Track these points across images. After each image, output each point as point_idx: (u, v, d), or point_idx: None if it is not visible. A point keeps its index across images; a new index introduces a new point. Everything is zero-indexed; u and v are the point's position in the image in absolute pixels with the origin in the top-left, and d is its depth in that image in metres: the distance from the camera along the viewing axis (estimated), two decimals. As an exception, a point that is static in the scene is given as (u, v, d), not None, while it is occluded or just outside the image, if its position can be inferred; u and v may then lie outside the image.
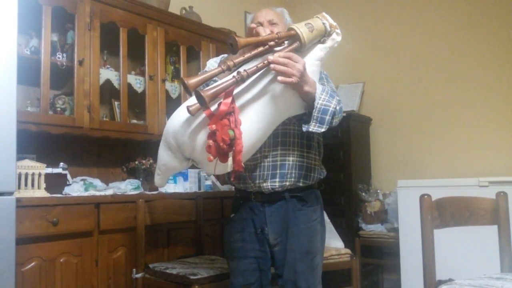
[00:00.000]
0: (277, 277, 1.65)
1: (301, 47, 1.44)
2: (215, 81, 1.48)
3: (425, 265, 1.60)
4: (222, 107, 1.31)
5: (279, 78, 1.34)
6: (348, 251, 2.74)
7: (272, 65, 1.33)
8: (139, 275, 2.21)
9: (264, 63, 1.35)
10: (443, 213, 1.67)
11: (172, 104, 3.10)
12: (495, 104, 3.42)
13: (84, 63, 2.55)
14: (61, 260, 2.13)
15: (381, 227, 3.50)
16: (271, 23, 1.67)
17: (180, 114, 1.47)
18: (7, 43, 1.60)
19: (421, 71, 3.79)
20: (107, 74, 2.75)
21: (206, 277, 2.04)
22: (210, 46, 3.32)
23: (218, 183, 3.18)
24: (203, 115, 1.38)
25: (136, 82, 2.90)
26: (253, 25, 1.63)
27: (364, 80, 4.07)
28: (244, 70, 1.33)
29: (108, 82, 2.75)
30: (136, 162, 2.90)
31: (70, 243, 2.17)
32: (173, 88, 3.13)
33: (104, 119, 2.82)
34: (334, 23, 1.51)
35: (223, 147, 1.29)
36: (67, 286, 2.14)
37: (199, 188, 3.03)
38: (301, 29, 1.42)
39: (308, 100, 1.44)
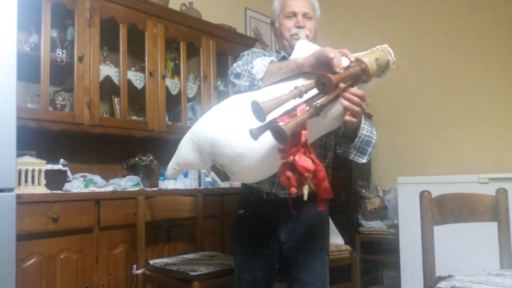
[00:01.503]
0: (283, 273, 1.63)
1: (365, 82, 1.39)
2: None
3: (425, 262, 1.60)
4: (303, 139, 1.20)
5: (347, 118, 1.29)
6: (348, 247, 2.74)
7: (345, 103, 1.27)
8: (139, 271, 2.22)
9: (335, 97, 1.27)
10: (443, 209, 1.67)
11: (172, 100, 3.10)
12: (495, 101, 3.42)
13: (84, 60, 2.54)
14: (62, 257, 2.14)
15: (381, 224, 3.51)
16: (307, 17, 1.61)
17: (225, 122, 1.34)
18: (6, 39, 1.59)
19: (421, 68, 3.79)
20: (107, 70, 2.75)
21: (206, 273, 2.04)
22: (210, 42, 3.31)
23: (218, 180, 3.18)
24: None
25: (136, 78, 2.89)
26: (287, 21, 1.58)
27: (365, 76, 4.06)
28: (320, 105, 1.21)
29: (108, 78, 2.74)
30: (136, 159, 2.90)
31: (70, 240, 2.17)
32: (173, 84, 3.12)
33: (104, 115, 2.82)
34: (394, 59, 1.48)
35: (308, 176, 1.19)
36: (68, 282, 2.15)
37: (199, 185, 3.04)
38: (372, 65, 1.36)
39: (351, 128, 1.39)
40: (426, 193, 1.65)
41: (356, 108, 1.28)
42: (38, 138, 2.49)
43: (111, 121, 2.75)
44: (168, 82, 3.07)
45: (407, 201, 3.06)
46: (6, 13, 1.60)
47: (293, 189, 1.20)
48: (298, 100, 1.22)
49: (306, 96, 1.24)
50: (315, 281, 1.56)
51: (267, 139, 1.24)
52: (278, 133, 1.15)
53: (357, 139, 1.39)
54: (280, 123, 1.13)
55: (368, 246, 3.57)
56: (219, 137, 1.32)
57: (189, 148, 1.42)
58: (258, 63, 1.51)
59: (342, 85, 1.27)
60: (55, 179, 2.32)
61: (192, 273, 2.01)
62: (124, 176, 2.81)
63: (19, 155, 2.00)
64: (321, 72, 1.25)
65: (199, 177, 3.06)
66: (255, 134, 1.21)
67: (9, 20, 1.60)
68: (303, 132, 1.21)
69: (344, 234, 2.95)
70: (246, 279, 1.64)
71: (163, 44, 2.99)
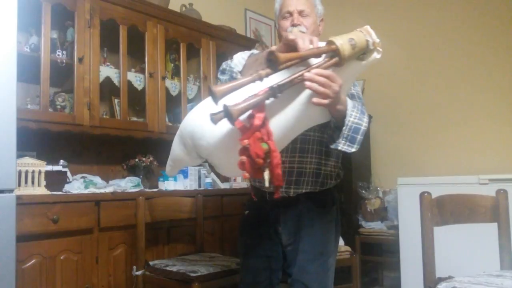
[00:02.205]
0: (287, 276, 1.61)
1: (340, 64, 1.30)
2: (236, 74, 1.43)
3: (425, 263, 1.60)
4: (256, 122, 1.20)
5: (314, 100, 1.22)
6: (348, 248, 2.74)
7: (307, 83, 1.20)
8: (139, 273, 2.22)
9: (299, 78, 1.23)
10: (443, 210, 1.67)
11: (172, 101, 3.10)
12: (495, 101, 3.42)
13: (84, 61, 2.55)
14: (62, 258, 2.13)
15: (381, 225, 3.50)
16: (302, 15, 1.58)
17: (199, 115, 1.37)
18: (7, 40, 1.59)
19: (421, 68, 3.79)
20: (107, 71, 2.75)
21: (206, 274, 2.04)
22: (210, 43, 3.31)
23: (218, 181, 3.18)
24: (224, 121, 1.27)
25: (136, 79, 2.89)
26: (284, 21, 1.57)
27: (364, 78, 4.07)
28: (277, 85, 1.21)
29: (108, 79, 2.74)
30: (136, 160, 2.90)
31: (70, 241, 2.17)
32: (173, 85, 3.12)
33: (104, 116, 2.82)
34: (378, 40, 1.35)
35: (258, 162, 1.19)
36: (68, 283, 2.15)
37: (199, 186, 3.03)
38: (344, 46, 1.27)
39: (338, 117, 1.34)
40: (426, 194, 1.65)
41: (320, 89, 1.20)
42: (38, 139, 2.49)
43: (111, 122, 2.75)
44: (168, 83, 3.07)
45: (407, 202, 3.06)
46: (6, 14, 1.60)
47: (246, 174, 1.21)
48: (261, 87, 1.22)
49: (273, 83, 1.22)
50: (313, 285, 1.54)
51: (235, 130, 1.24)
52: (228, 114, 1.16)
53: (344, 127, 1.33)
54: (231, 105, 1.15)
55: (368, 247, 3.56)
56: (196, 128, 1.35)
57: (176, 142, 1.47)
58: (238, 56, 1.54)
59: (313, 69, 1.23)
60: (55, 180, 2.32)
61: (192, 274, 2.01)
62: (124, 177, 2.81)
63: (19, 156, 2.00)
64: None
65: (199, 178, 3.05)
66: (214, 119, 1.21)
67: (9, 21, 1.61)
68: (258, 115, 1.20)
69: (344, 235, 2.94)
70: (249, 280, 1.63)
71: (163, 45, 2.99)
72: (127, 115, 2.81)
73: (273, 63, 1.21)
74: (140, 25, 2.88)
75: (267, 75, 1.22)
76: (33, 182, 2.16)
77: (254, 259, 1.62)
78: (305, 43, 1.27)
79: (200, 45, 3.25)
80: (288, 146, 1.50)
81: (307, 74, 1.20)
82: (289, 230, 1.58)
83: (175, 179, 2.90)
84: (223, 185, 3.16)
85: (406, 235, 3.09)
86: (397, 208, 3.21)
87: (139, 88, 2.90)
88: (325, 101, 1.22)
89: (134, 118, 2.98)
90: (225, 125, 1.24)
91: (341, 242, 2.81)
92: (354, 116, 1.34)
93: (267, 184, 1.24)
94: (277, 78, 1.26)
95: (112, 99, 2.91)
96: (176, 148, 1.48)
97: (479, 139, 3.47)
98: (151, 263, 2.24)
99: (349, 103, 1.35)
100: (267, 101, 1.25)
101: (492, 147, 3.40)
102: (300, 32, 1.54)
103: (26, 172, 2.14)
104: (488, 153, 3.41)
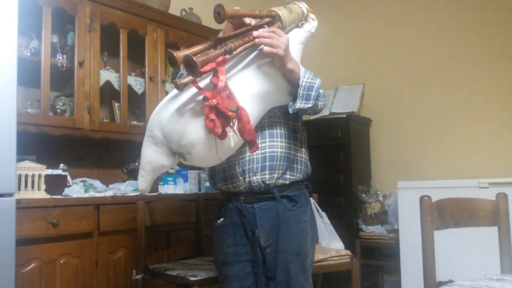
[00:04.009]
0: (267, 279, 1.61)
1: (281, 28, 1.48)
2: None
3: (425, 266, 1.60)
4: (220, 83, 1.29)
5: (265, 48, 1.38)
6: (348, 252, 2.74)
7: (257, 40, 1.38)
8: (139, 276, 2.21)
9: (249, 37, 1.39)
10: (443, 214, 1.67)
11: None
12: (495, 105, 3.42)
13: (84, 65, 2.55)
14: (61, 262, 2.13)
15: (381, 229, 3.50)
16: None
17: (164, 103, 1.48)
18: (7, 44, 1.60)
19: (421, 72, 3.80)
20: (107, 75, 2.76)
21: (206, 278, 2.03)
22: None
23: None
24: (189, 95, 1.39)
25: (136, 83, 2.90)
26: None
27: (364, 81, 4.07)
28: (232, 42, 1.34)
29: (108, 83, 2.75)
30: (136, 163, 2.89)
31: (70, 245, 2.17)
32: (173, 89, 3.12)
33: (104, 120, 2.82)
34: (310, 9, 1.59)
35: (232, 115, 1.27)
36: (67, 287, 2.14)
37: (199, 189, 3.03)
38: (281, 11, 1.48)
39: (293, 80, 1.48)
40: (426, 197, 1.65)
41: (269, 40, 1.38)
42: (38, 143, 2.49)
43: (111, 126, 2.76)
44: (169, 87, 3.07)
45: (407, 206, 3.05)
46: (7, 18, 1.61)
47: (218, 129, 1.27)
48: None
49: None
50: (296, 285, 1.56)
51: (190, 95, 1.39)
52: (190, 65, 1.26)
53: (299, 88, 1.47)
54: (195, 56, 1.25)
55: (368, 251, 3.56)
56: (162, 115, 1.43)
57: (145, 146, 1.52)
58: None
59: (260, 31, 1.41)
60: (55, 184, 2.32)
61: (192, 278, 2.01)
62: (124, 181, 2.81)
63: (19, 160, 2.00)
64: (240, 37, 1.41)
65: (199, 181, 3.05)
66: (179, 85, 1.35)
67: (9, 25, 1.61)
68: (221, 77, 1.30)
69: (344, 239, 2.94)
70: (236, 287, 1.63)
71: (163, 49, 3.00)
72: (127, 119, 2.81)
73: (220, 16, 1.36)
74: (140, 29, 2.88)
75: (236, 48, 1.35)
76: (33, 186, 2.15)
77: (237, 265, 1.62)
78: (249, 13, 1.46)
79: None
80: (257, 133, 1.55)
81: (255, 32, 1.39)
82: (266, 231, 1.59)
83: (175, 183, 2.89)
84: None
85: (406, 239, 3.08)
86: (397, 212, 3.21)
87: (139, 92, 2.90)
88: (275, 50, 1.39)
89: (134, 122, 2.98)
90: (186, 97, 1.38)
91: (341, 245, 2.81)
92: (307, 77, 1.49)
93: (232, 144, 1.33)
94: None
95: (112, 103, 2.91)
96: (146, 151, 1.50)
97: (479, 142, 3.47)
98: (150, 267, 2.24)
99: (302, 69, 1.49)
100: (227, 66, 1.39)
101: (492, 150, 3.40)
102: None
103: (26, 176, 2.14)
104: (488, 156, 3.41)
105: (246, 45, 1.39)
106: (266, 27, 1.49)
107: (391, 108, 3.95)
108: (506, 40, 3.40)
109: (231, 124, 1.30)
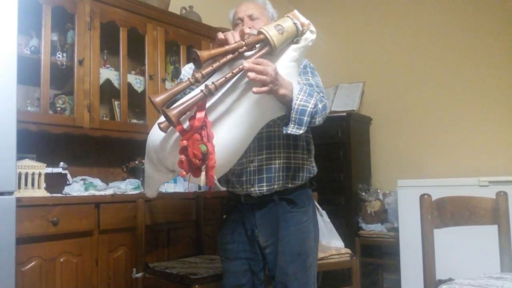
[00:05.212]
0: (271, 279, 1.64)
1: (272, 51, 1.37)
2: (186, 93, 1.43)
3: (425, 265, 1.60)
4: (196, 123, 1.25)
5: (254, 89, 1.26)
6: (348, 250, 2.74)
7: (251, 75, 1.25)
8: (139, 275, 2.21)
9: (232, 73, 1.29)
10: (443, 212, 1.67)
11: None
12: (495, 103, 3.42)
13: (84, 63, 2.55)
14: (61, 260, 2.13)
15: (381, 227, 3.50)
16: (252, 19, 1.64)
17: (156, 128, 1.43)
18: (7, 42, 1.59)
19: (421, 70, 3.79)
20: (107, 73, 2.75)
21: (206, 276, 2.04)
22: (210, 45, 3.32)
23: (218, 184, 3.17)
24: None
25: (136, 81, 2.90)
26: (237, 28, 1.62)
27: (364, 79, 4.07)
28: (212, 83, 1.26)
29: (108, 81, 2.75)
30: (136, 162, 2.90)
31: (70, 243, 2.17)
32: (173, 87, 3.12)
33: (104, 118, 2.82)
34: (307, 21, 1.44)
35: (195, 162, 1.25)
36: (67, 286, 2.14)
37: (199, 188, 3.03)
38: (270, 32, 1.34)
39: (286, 102, 1.38)
40: (426, 196, 1.65)
41: (258, 77, 1.24)
42: (38, 141, 2.50)
43: (111, 124, 2.75)
44: (168, 85, 3.07)
45: (407, 204, 3.06)
46: (6, 17, 1.60)
47: (183, 172, 1.27)
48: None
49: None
50: (293, 286, 1.56)
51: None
52: (166, 116, 1.23)
53: (292, 111, 1.37)
54: (169, 109, 1.22)
55: (368, 249, 3.56)
56: (154, 142, 1.41)
57: (146, 162, 1.51)
58: (185, 67, 1.68)
59: (247, 61, 1.28)
60: (55, 182, 2.32)
61: (192, 277, 2.01)
62: (124, 179, 2.81)
63: (19, 158, 2.00)
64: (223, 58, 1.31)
65: (199, 180, 3.05)
66: (162, 128, 1.29)
67: (9, 23, 1.61)
68: (198, 117, 1.26)
69: (344, 237, 2.94)
70: (231, 283, 1.65)
71: (163, 47, 2.99)
72: (127, 117, 2.81)
73: (197, 62, 1.28)
74: (140, 27, 2.88)
75: (203, 77, 1.28)
76: (33, 184, 2.16)
77: (235, 262, 1.65)
78: (235, 38, 1.35)
79: (200, 48, 3.25)
80: (254, 145, 1.55)
81: (246, 65, 1.25)
82: (266, 232, 1.61)
83: (175, 182, 2.89)
84: (223, 188, 3.15)
85: (406, 237, 3.08)
86: (397, 210, 3.21)
87: (139, 90, 2.90)
88: (265, 89, 1.26)
89: (134, 120, 2.98)
90: (174, 131, 1.32)
91: (341, 244, 2.81)
92: (301, 99, 1.37)
93: (202, 183, 1.30)
94: (217, 77, 1.32)
95: (112, 101, 2.91)
96: (147, 167, 1.52)
97: (479, 141, 3.47)
98: (151, 265, 2.24)
99: (296, 87, 1.39)
100: (212, 101, 1.33)
101: (492, 149, 3.40)
102: (246, 32, 1.55)
103: (26, 174, 2.14)
104: (488, 155, 3.40)
105: (229, 81, 1.33)
106: (257, 46, 1.39)
107: (391, 107, 3.95)
108: (506, 39, 3.39)
109: (202, 165, 1.28)
